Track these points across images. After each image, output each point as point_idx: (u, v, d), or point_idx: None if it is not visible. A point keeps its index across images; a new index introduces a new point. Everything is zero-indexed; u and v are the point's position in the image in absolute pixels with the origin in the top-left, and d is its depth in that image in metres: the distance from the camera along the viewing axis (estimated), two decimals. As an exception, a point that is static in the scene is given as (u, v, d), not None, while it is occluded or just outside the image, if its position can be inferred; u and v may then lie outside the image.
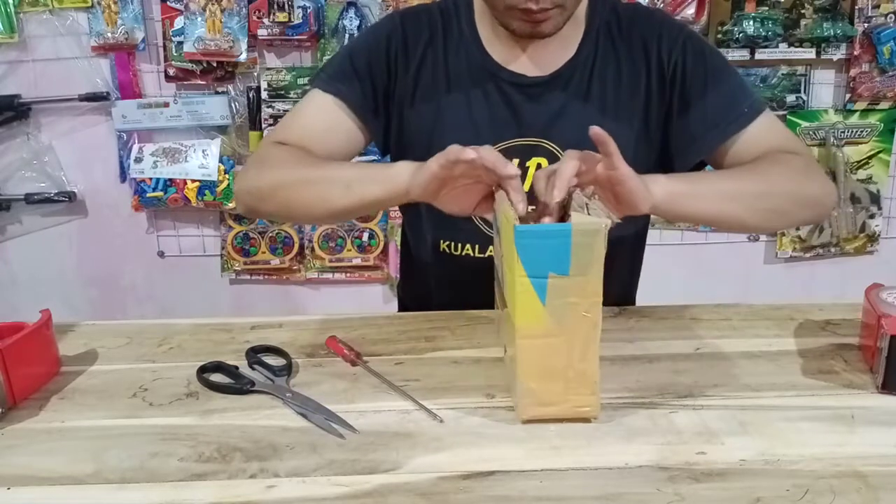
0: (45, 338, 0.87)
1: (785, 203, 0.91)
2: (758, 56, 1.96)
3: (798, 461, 0.67)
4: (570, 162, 0.74)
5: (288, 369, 0.85)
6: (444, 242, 1.08)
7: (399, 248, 1.39)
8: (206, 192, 2.05)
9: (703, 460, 0.67)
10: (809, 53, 1.97)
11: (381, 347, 0.92)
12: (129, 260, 2.18)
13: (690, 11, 1.93)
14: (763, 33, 1.94)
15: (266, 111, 2.01)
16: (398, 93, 1.04)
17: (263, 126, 2.02)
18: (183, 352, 0.93)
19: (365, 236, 2.12)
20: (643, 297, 1.20)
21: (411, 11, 1.07)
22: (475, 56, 1.03)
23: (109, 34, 1.96)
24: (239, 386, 0.82)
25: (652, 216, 1.15)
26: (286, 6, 1.90)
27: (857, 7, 1.94)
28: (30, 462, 0.70)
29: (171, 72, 2.00)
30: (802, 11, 1.94)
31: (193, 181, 2.04)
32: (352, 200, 0.88)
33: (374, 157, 1.59)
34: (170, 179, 2.05)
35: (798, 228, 2.11)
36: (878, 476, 0.65)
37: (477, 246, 1.06)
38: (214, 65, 1.99)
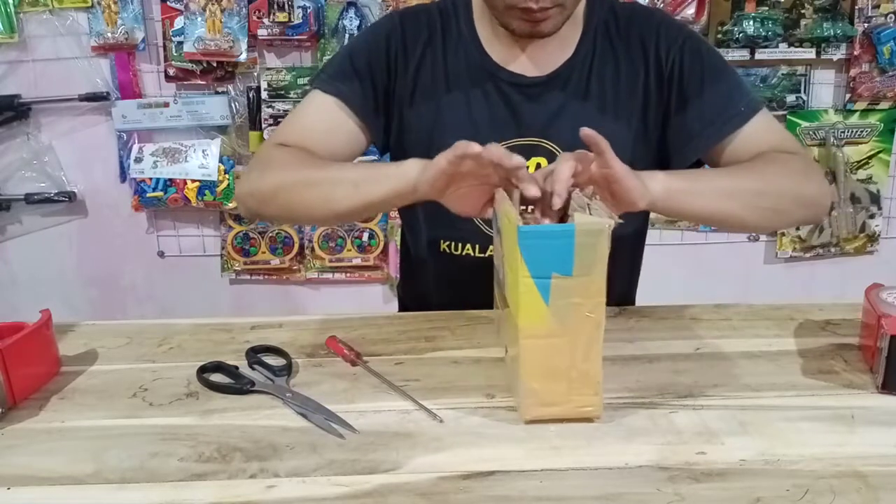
0: (45, 338, 0.87)
1: (783, 202, 0.91)
2: (758, 56, 1.96)
3: (798, 461, 0.67)
4: (566, 164, 0.75)
5: (288, 369, 0.85)
6: (444, 242, 1.08)
7: (399, 248, 1.39)
8: (206, 192, 2.05)
9: (703, 460, 0.67)
10: (809, 53, 1.97)
11: (381, 347, 0.92)
12: (129, 260, 2.18)
13: (690, 11, 1.93)
14: (763, 33, 1.94)
15: (266, 111, 2.01)
16: (398, 92, 1.04)
17: (263, 126, 2.02)
18: (183, 352, 0.93)
19: (365, 236, 2.12)
20: (643, 297, 1.20)
21: (410, 11, 1.07)
22: (474, 56, 1.03)
23: (109, 34, 1.96)
24: (239, 386, 0.82)
25: (651, 215, 1.15)
26: (286, 6, 1.90)
27: (857, 7, 1.94)
28: (30, 462, 0.70)
29: (171, 72, 2.00)
30: (802, 11, 1.94)
31: (193, 181, 2.04)
32: (357, 201, 0.87)
33: (374, 157, 1.59)
34: (170, 179, 2.05)
35: (798, 228, 2.11)
36: (878, 476, 0.65)
37: (477, 246, 1.06)
38: (214, 65, 1.99)
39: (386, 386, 0.82)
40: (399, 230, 1.44)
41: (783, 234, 2.13)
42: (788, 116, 2.02)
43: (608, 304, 0.70)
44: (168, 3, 1.96)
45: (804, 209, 0.94)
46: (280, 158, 0.97)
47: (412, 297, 1.24)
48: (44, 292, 2.14)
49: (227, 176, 2.05)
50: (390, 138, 1.07)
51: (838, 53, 1.97)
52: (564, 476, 0.66)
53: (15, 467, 0.70)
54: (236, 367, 0.86)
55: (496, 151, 0.75)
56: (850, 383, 0.81)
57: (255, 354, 0.89)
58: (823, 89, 2.04)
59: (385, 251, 2.13)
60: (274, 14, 1.90)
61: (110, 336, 0.97)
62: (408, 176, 0.83)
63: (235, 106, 2.03)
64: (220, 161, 2.04)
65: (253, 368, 0.87)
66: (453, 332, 0.96)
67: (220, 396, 0.81)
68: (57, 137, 2.06)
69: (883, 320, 0.78)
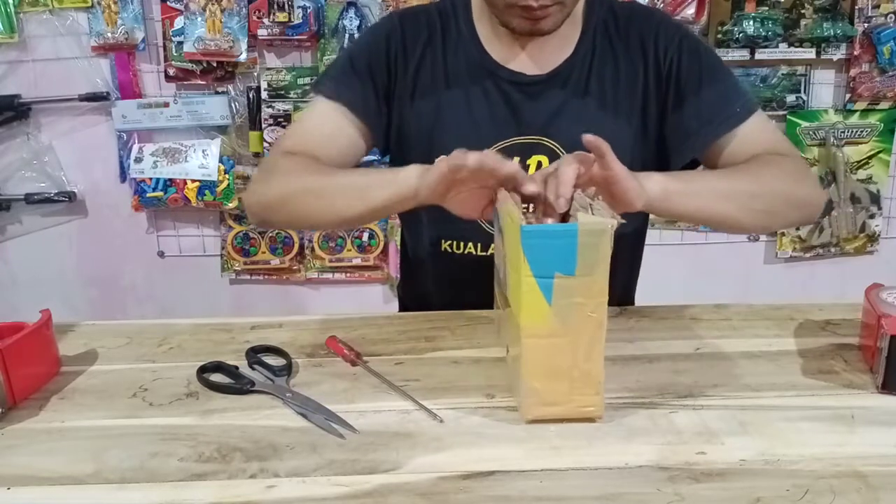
0: (45, 338, 0.87)
1: (777, 204, 0.92)
2: (758, 56, 1.96)
3: (798, 461, 0.67)
4: (570, 167, 0.75)
5: (288, 369, 0.85)
6: (445, 242, 1.08)
7: (399, 248, 1.39)
8: (206, 192, 2.05)
9: (703, 460, 0.67)
10: (809, 53, 1.97)
11: (381, 347, 0.92)
12: (129, 260, 2.18)
13: (690, 11, 1.93)
14: (763, 33, 1.94)
15: (266, 111, 2.01)
16: (398, 92, 1.04)
17: (263, 126, 2.02)
18: (183, 352, 0.93)
19: (365, 236, 2.12)
20: (643, 297, 1.20)
21: (410, 12, 1.08)
22: (474, 55, 1.03)
23: (109, 34, 1.96)
24: (239, 386, 0.82)
25: (651, 215, 1.15)
26: (286, 6, 1.90)
27: (857, 7, 1.94)
28: (30, 462, 0.70)
29: (171, 72, 2.00)
30: (802, 11, 1.94)
31: (193, 181, 2.04)
32: (360, 207, 0.88)
33: (374, 158, 1.59)
34: (170, 179, 2.05)
35: (798, 228, 2.11)
36: (878, 476, 0.65)
37: (479, 244, 1.06)
38: (214, 65, 1.99)
39: (386, 386, 0.82)
40: (399, 230, 1.44)
41: (783, 234, 2.13)
42: (788, 116, 2.02)
43: (609, 303, 0.70)
44: (168, 3, 1.96)
45: (798, 211, 0.95)
46: (285, 167, 0.97)
47: (412, 297, 1.24)
48: (44, 292, 2.14)
49: (227, 176, 2.05)
50: (391, 138, 1.07)
51: (838, 53, 1.97)
52: (564, 476, 0.66)
53: (15, 467, 0.70)
54: (236, 367, 0.86)
55: (490, 161, 0.75)
56: (850, 383, 0.81)
57: (255, 354, 0.89)
58: (823, 89, 2.04)
59: (385, 251, 2.13)
60: (274, 14, 1.90)
61: (110, 336, 0.97)
62: (409, 182, 0.84)
63: (235, 106, 2.03)
64: (220, 161, 2.04)
65: (253, 368, 0.87)
66: (453, 332, 0.96)
67: (220, 396, 0.81)
68: (57, 137, 2.07)
69: (883, 320, 0.78)
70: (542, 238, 0.68)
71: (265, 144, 2.04)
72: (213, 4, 1.93)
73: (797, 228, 2.11)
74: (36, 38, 1.98)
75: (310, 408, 0.77)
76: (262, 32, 1.94)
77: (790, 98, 2.02)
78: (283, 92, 2.00)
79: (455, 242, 1.08)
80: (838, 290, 2.13)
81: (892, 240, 2.16)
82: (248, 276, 2.17)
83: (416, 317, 1.02)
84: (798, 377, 0.83)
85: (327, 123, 1.02)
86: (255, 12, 1.93)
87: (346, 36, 1.95)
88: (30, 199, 2.08)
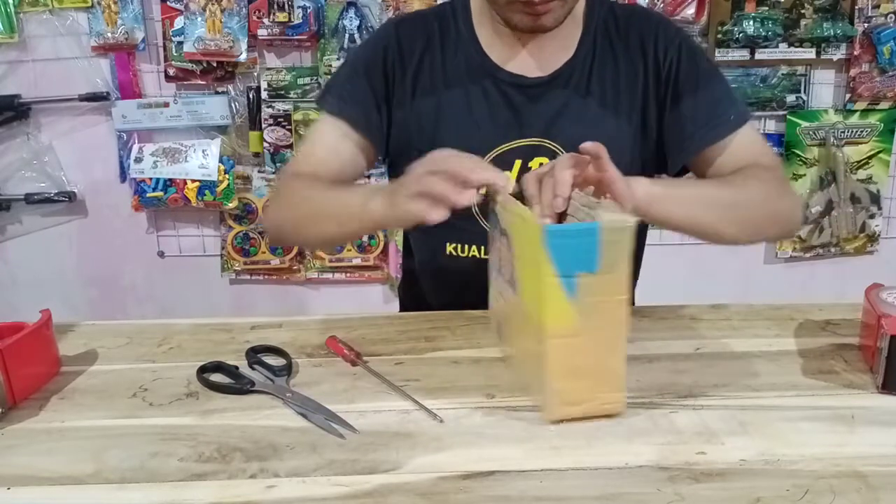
0: (45, 338, 0.87)
1: (757, 216, 0.93)
2: (758, 56, 1.96)
3: (798, 461, 0.67)
4: (567, 171, 0.76)
5: (288, 369, 0.85)
6: (450, 245, 1.08)
7: (399, 248, 1.39)
8: (206, 192, 2.05)
9: (703, 460, 0.67)
10: (809, 53, 1.97)
11: (381, 347, 0.92)
12: (129, 260, 2.18)
13: (690, 11, 1.92)
14: (763, 33, 1.94)
15: (266, 111, 2.01)
16: (396, 99, 1.05)
17: (263, 126, 2.02)
18: (183, 352, 0.93)
19: (365, 236, 2.11)
20: (643, 297, 1.20)
21: (408, 19, 1.09)
22: (474, 57, 1.03)
23: (109, 34, 1.96)
24: (239, 386, 0.82)
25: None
26: (286, 6, 1.90)
27: (857, 7, 1.94)
28: (30, 462, 0.70)
29: (171, 72, 2.00)
30: (802, 11, 1.94)
31: (193, 181, 2.04)
32: (343, 235, 0.98)
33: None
34: (170, 179, 2.05)
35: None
36: (878, 476, 0.65)
37: (483, 247, 1.06)
38: (214, 65, 1.99)
39: (386, 386, 0.82)
40: (400, 231, 1.44)
41: (783, 234, 2.13)
42: (788, 116, 2.02)
43: None
44: (168, 3, 1.96)
45: (777, 225, 0.97)
46: (289, 192, 1.02)
47: (412, 297, 1.24)
48: (44, 292, 2.14)
49: (227, 176, 2.05)
50: (391, 144, 1.07)
51: (838, 53, 1.97)
52: (564, 476, 0.66)
53: (15, 467, 0.70)
54: (236, 367, 0.86)
55: (484, 175, 0.76)
56: (850, 383, 0.81)
57: (255, 354, 0.89)
58: (823, 89, 2.04)
59: (385, 251, 2.12)
60: (274, 14, 1.90)
61: (110, 336, 0.97)
62: (373, 216, 0.85)
63: (235, 106, 2.03)
64: (220, 161, 2.04)
65: (253, 368, 0.87)
66: (453, 332, 0.96)
67: (220, 396, 0.81)
68: (57, 137, 2.07)
69: (883, 320, 0.78)
70: (566, 237, 0.68)
71: (265, 144, 2.04)
72: (213, 4, 1.93)
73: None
74: (36, 38, 1.98)
75: (310, 408, 0.77)
76: (262, 32, 1.94)
77: (790, 98, 2.02)
78: (283, 92, 2.00)
79: (459, 246, 1.08)
80: (838, 290, 2.13)
81: (892, 240, 2.16)
82: (248, 276, 2.17)
83: (416, 317, 1.02)
84: (798, 377, 0.83)
85: (331, 141, 1.04)
86: (255, 12, 1.93)
87: (346, 36, 1.95)
88: (30, 199, 2.08)
